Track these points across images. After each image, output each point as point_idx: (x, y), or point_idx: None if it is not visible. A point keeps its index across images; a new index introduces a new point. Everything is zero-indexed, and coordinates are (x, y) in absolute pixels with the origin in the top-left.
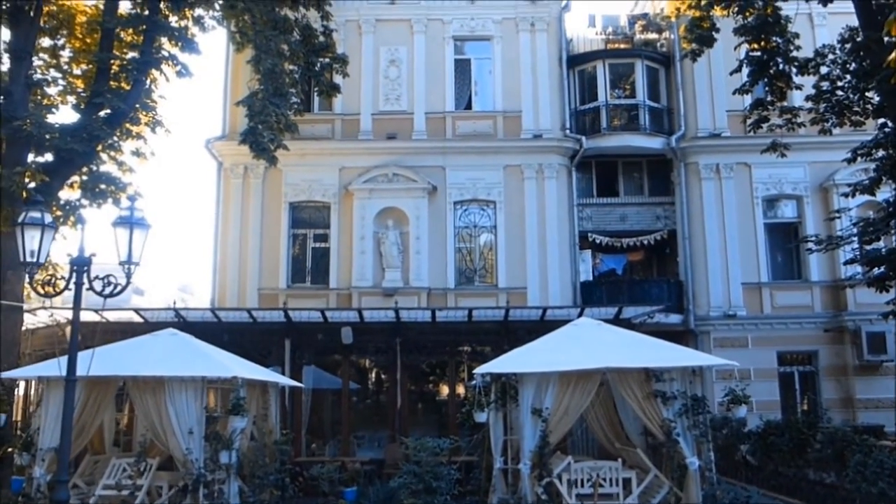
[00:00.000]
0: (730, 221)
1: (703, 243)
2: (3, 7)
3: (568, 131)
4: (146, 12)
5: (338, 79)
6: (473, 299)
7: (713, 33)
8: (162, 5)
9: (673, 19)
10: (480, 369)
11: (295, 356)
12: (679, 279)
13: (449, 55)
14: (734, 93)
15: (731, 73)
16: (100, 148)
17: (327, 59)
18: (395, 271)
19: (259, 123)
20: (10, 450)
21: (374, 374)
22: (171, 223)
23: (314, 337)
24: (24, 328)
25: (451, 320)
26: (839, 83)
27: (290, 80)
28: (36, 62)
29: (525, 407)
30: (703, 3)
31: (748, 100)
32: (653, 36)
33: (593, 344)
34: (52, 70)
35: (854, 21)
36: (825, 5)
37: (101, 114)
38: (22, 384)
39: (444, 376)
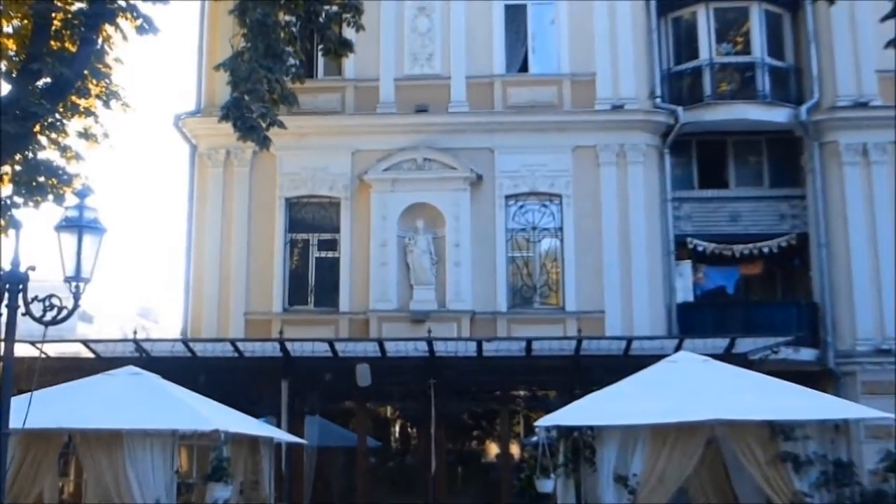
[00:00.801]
0: (882, 222)
1: (845, 252)
2: None
3: (659, 100)
4: None
5: (349, 33)
6: (533, 327)
7: None
8: None
9: None
10: (543, 421)
11: (294, 403)
12: (813, 301)
13: (497, 1)
14: (886, 46)
15: (882, 20)
16: (37, 129)
17: (335, 7)
18: (426, 289)
19: (245, 93)
20: None
21: (399, 428)
22: (130, 227)
23: (320, 377)
24: None
25: (503, 355)
26: None
27: (287, 35)
28: None
29: (606, 472)
30: None
31: None
32: None
33: (697, 388)
34: None
35: None
36: None
37: (39, 84)
38: None
39: (494, 430)
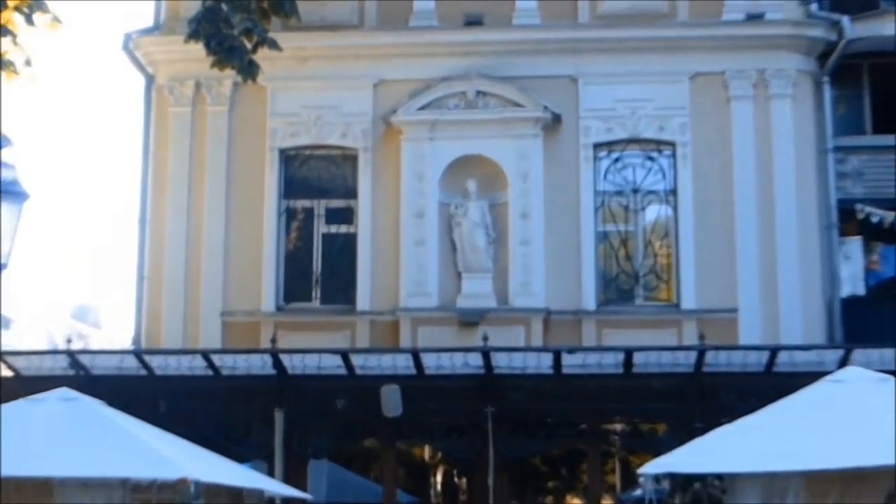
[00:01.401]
0: None
1: None
2: None
3: (814, 7)
4: None
5: None
6: (633, 332)
7: None
8: None
9: None
10: (650, 467)
11: (294, 441)
12: None
13: None
14: None
15: None
16: None
17: None
18: (481, 279)
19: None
20: None
21: (442, 477)
22: (62, 193)
23: (329, 405)
24: None
25: (591, 372)
26: None
27: None
28: None
29: None
30: None
31: None
32: None
33: (873, 418)
34: None
35: None
36: None
37: None
38: None
39: (578, 480)
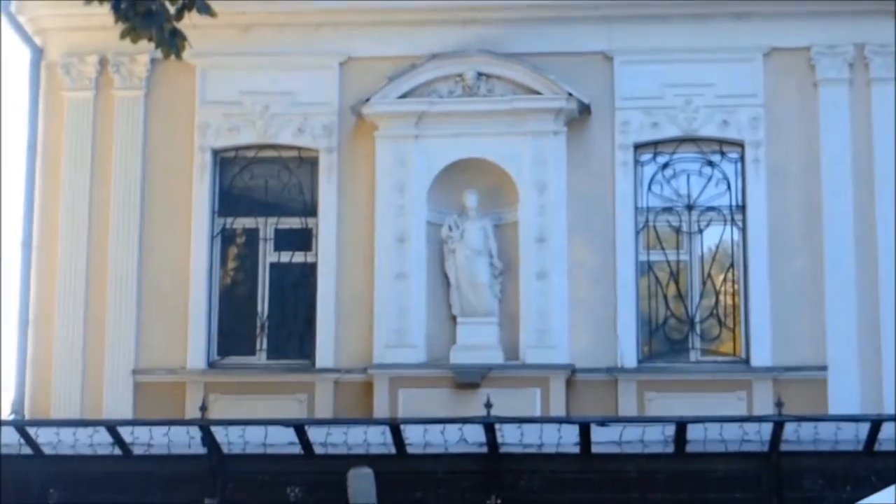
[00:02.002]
0: None
1: None
2: None
3: None
4: None
5: None
6: (687, 397)
7: None
8: None
9: None
10: None
11: None
12: None
13: None
14: None
15: None
16: None
17: None
18: (483, 324)
19: None
20: None
21: None
22: None
23: (278, 493)
24: None
25: (631, 451)
26: None
27: None
28: None
29: None
30: None
31: None
32: None
33: None
34: None
35: None
36: None
37: None
38: None
39: None
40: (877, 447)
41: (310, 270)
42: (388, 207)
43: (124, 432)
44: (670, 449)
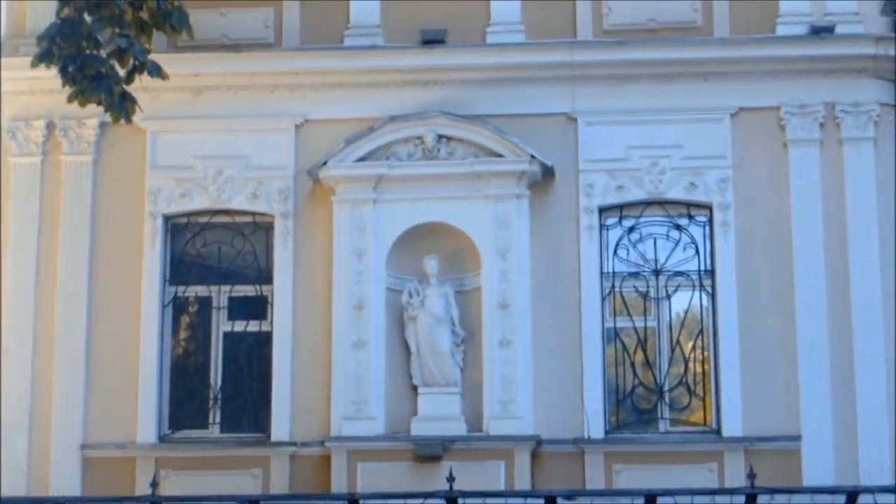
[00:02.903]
0: None
1: None
2: None
3: None
4: None
5: None
6: (656, 468)
7: None
8: None
9: None
10: None
11: None
12: None
13: None
14: None
15: None
16: None
17: None
18: (445, 394)
19: (85, 9)
20: None
21: None
22: None
23: None
24: None
25: None
26: None
27: None
28: None
29: None
30: None
31: None
32: None
33: None
34: None
35: None
36: None
37: None
38: None
39: None
40: None
41: (265, 340)
42: (345, 273)
43: None
44: None
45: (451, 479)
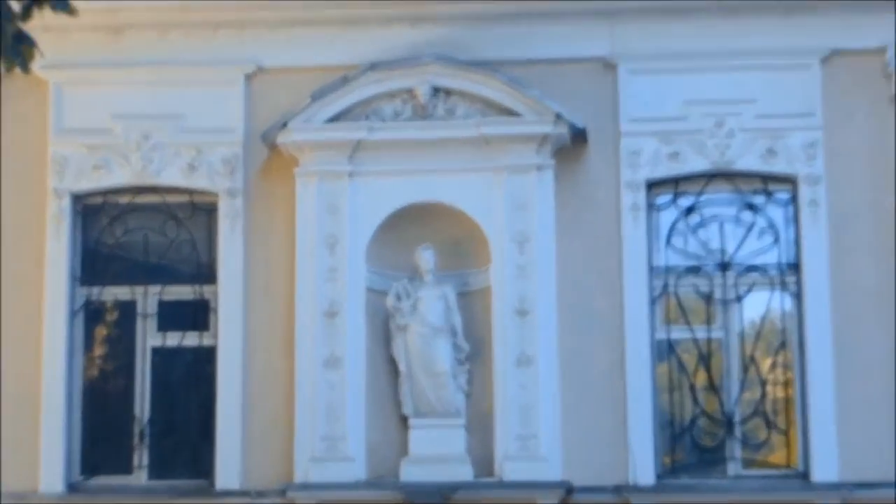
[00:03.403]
0: None
1: None
2: None
3: None
4: None
5: None
6: None
7: None
8: None
9: None
10: None
11: None
12: None
13: None
14: None
15: None
16: None
17: None
18: (444, 427)
19: None
20: None
21: None
22: None
23: None
24: None
25: None
26: None
27: None
28: None
29: None
30: None
31: None
32: None
33: None
34: None
35: None
36: None
37: None
38: None
39: None
40: None
41: (206, 357)
42: (313, 270)
43: None
44: None
45: None
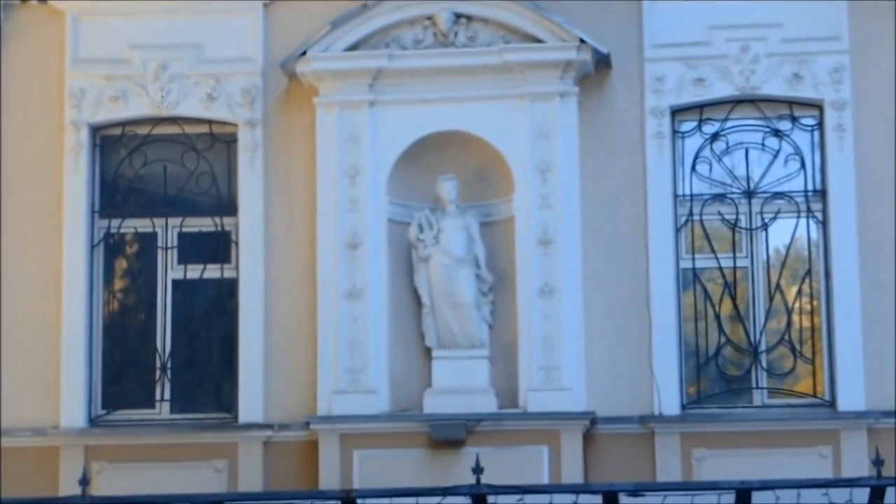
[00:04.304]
0: None
1: None
2: None
3: None
4: None
5: None
6: (750, 454)
7: None
8: None
9: None
10: None
11: None
12: None
13: None
14: None
15: None
16: None
17: None
18: (468, 359)
19: None
20: None
21: None
22: None
23: None
24: None
25: None
26: None
27: None
28: None
29: None
30: None
31: None
32: None
33: None
34: None
35: None
36: None
37: None
38: None
39: None
40: None
41: (228, 289)
42: (334, 201)
43: None
44: None
45: (477, 470)
